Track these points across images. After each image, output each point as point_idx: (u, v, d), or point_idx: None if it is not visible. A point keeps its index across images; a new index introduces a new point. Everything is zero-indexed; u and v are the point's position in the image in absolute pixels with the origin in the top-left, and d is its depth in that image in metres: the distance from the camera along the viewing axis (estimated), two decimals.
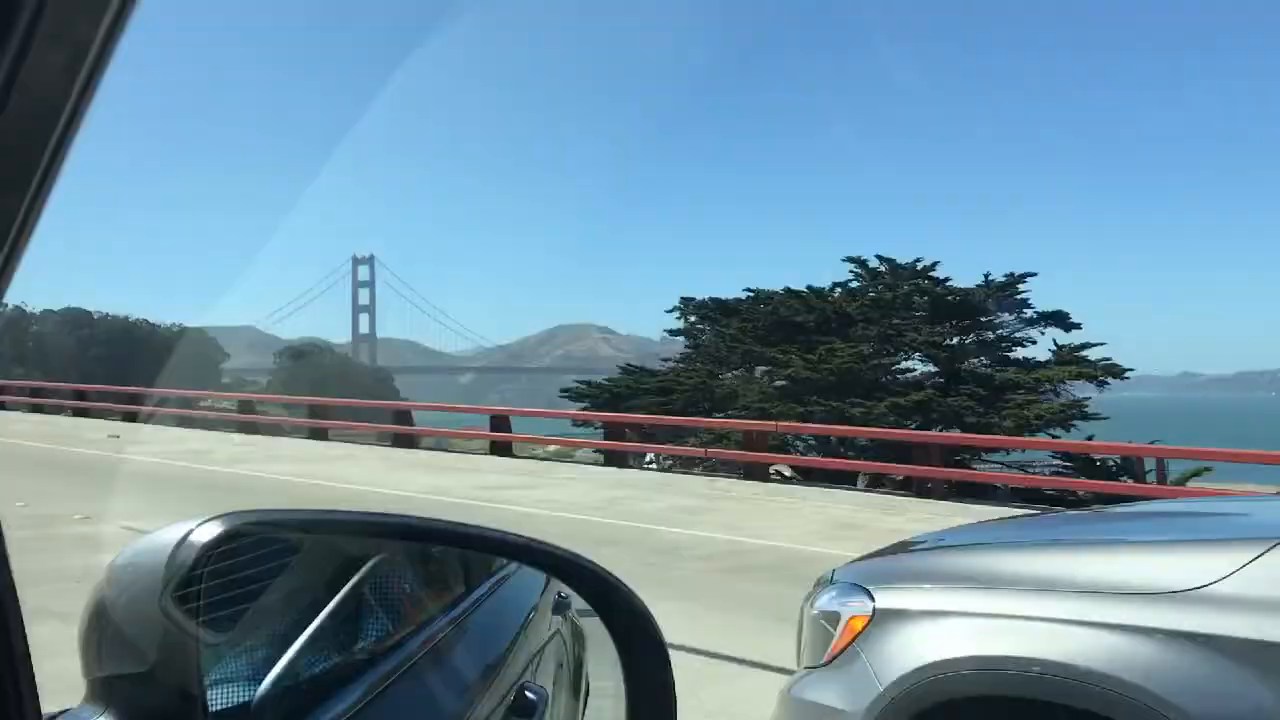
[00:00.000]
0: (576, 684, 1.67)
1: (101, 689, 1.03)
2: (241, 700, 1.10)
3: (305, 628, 1.18)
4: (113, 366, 63.54)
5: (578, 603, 1.44)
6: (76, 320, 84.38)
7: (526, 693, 1.44)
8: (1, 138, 0.64)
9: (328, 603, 1.23)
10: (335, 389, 76.63)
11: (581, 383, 27.64)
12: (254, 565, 1.16)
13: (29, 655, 1.05)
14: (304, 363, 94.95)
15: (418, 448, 21.65)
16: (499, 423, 21.60)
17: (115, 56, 0.65)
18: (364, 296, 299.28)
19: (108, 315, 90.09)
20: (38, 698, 0.95)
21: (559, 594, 1.58)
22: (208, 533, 1.10)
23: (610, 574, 1.31)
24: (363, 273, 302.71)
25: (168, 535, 1.10)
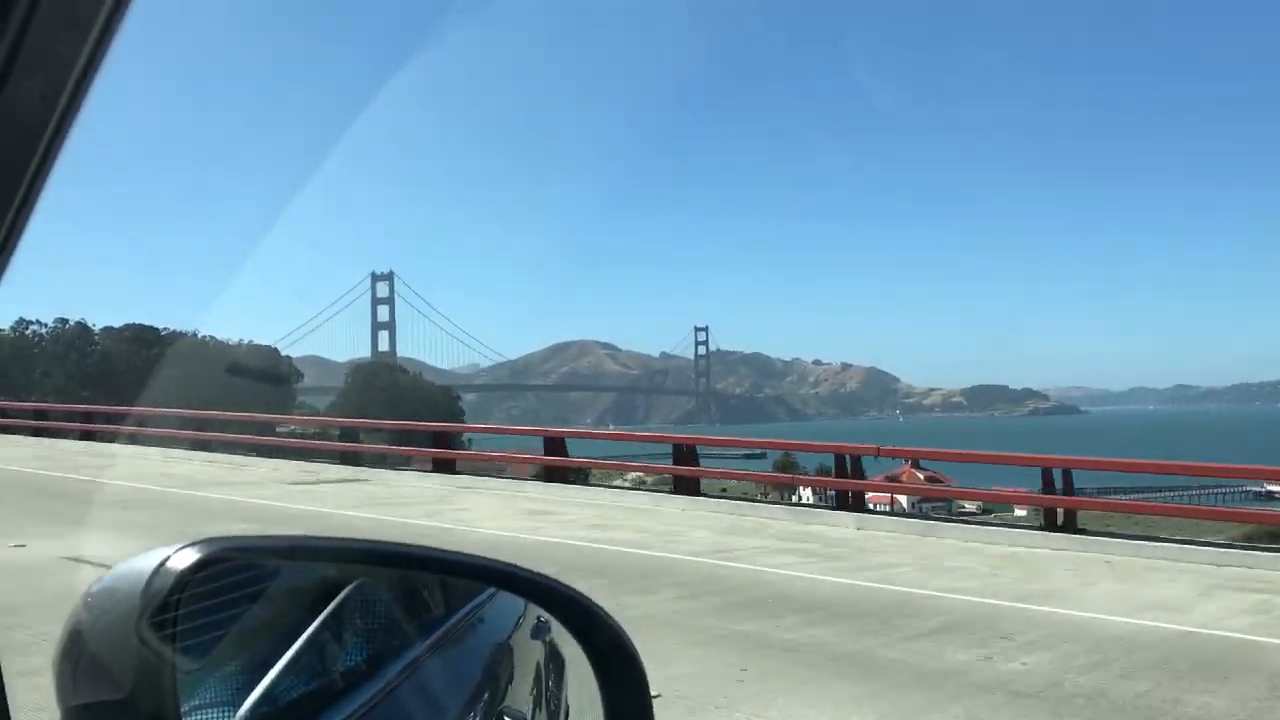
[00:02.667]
0: (555, 708, 1.68)
1: (77, 716, 1.03)
2: None
3: (283, 653, 1.18)
4: (185, 386, 60.70)
5: (556, 627, 1.44)
6: (142, 337, 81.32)
7: (505, 718, 1.44)
8: None
9: (305, 628, 1.23)
10: (413, 409, 73.24)
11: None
12: (231, 591, 1.17)
13: (2, 683, 1.06)
14: (377, 381, 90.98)
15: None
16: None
17: (101, 77, 0.66)
18: (383, 313, 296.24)
19: (175, 332, 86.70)
20: None
21: (538, 618, 1.58)
22: (185, 559, 1.10)
23: (589, 600, 1.31)
24: (381, 289, 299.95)
25: (144, 562, 1.10)
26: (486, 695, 1.46)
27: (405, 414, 64.46)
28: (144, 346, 78.90)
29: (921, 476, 36.78)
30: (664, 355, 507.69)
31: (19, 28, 0.61)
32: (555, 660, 1.61)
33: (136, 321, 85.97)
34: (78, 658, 1.05)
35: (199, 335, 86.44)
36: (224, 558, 1.14)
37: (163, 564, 1.09)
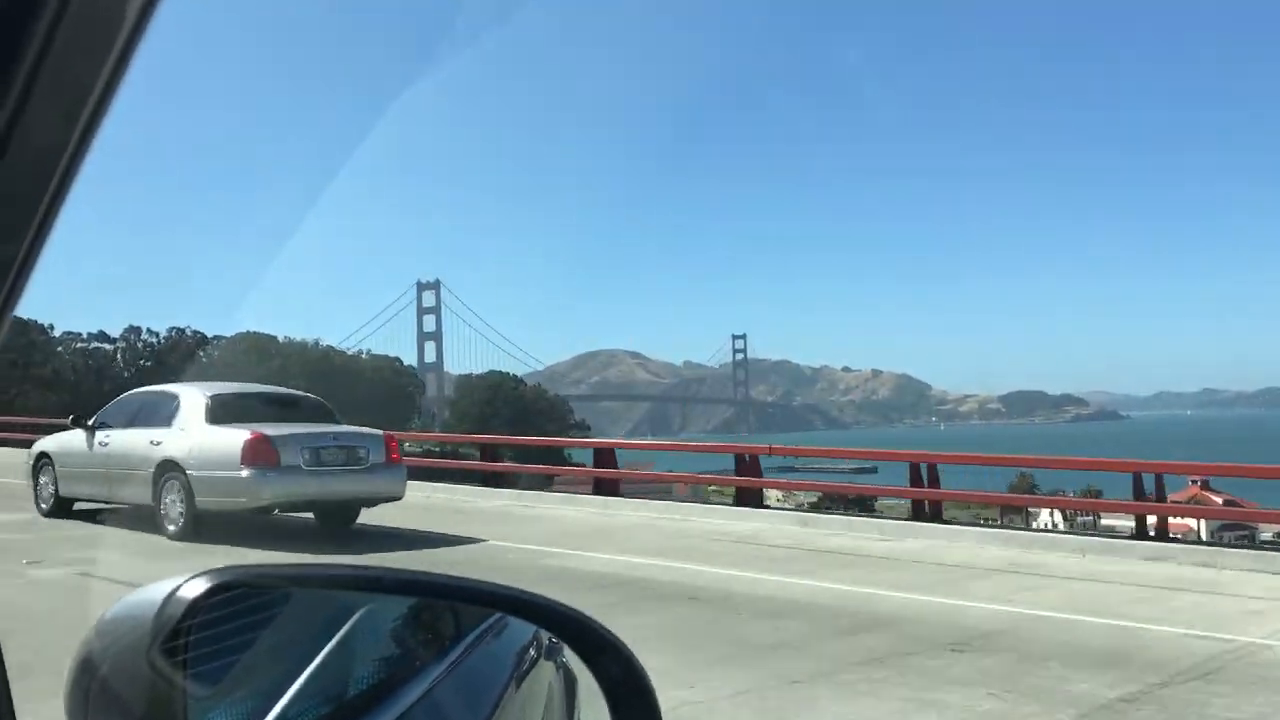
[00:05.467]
0: None
1: None
2: None
3: (294, 680, 1.19)
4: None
5: (568, 650, 1.44)
6: (262, 347, 76.67)
7: None
8: (1, 185, 0.65)
9: (316, 655, 1.24)
10: (538, 425, 70.29)
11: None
12: (243, 618, 1.18)
13: (13, 709, 1.07)
14: (500, 394, 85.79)
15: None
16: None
17: (119, 99, 0.67)
18: (429, 323, 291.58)
19: (292, 340, 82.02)
20: None
21: (550, 638, 1.57)
22: (196, 587, 1.11)
23: (603, 628, 1.30)
24: (427, 299, 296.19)
25: (156, 590, 1.11)
26: (500, 719, 1.46)
27: (529, 429, 61.65)
28: (265, 357, 74.33)
29: (1219, 500, 32.31)
30: (688, 364, 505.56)
31: (39, 50, 0.62)
32: (567, 681, 1.60)
33: (251, 329, 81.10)
34: (89, 686, 1.06)
35: (320, 344, 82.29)
36: (235, 585, 1.15)
37: (174, 592, 1.10)
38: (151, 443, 11.99)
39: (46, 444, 13.95)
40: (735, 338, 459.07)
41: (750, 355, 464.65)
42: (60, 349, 69.56)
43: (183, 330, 76.49)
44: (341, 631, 1.28)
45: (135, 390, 14.13)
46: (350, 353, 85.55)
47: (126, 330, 76.01)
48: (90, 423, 13.15)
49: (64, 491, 13.33)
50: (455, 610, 1.52)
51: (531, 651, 1.62)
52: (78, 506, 13.42)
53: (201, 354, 72.13)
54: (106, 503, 13.05)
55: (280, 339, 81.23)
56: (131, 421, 12.61)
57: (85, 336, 73.71)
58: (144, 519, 12.09)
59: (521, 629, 1.57)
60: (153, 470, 11.85)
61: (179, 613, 1.09)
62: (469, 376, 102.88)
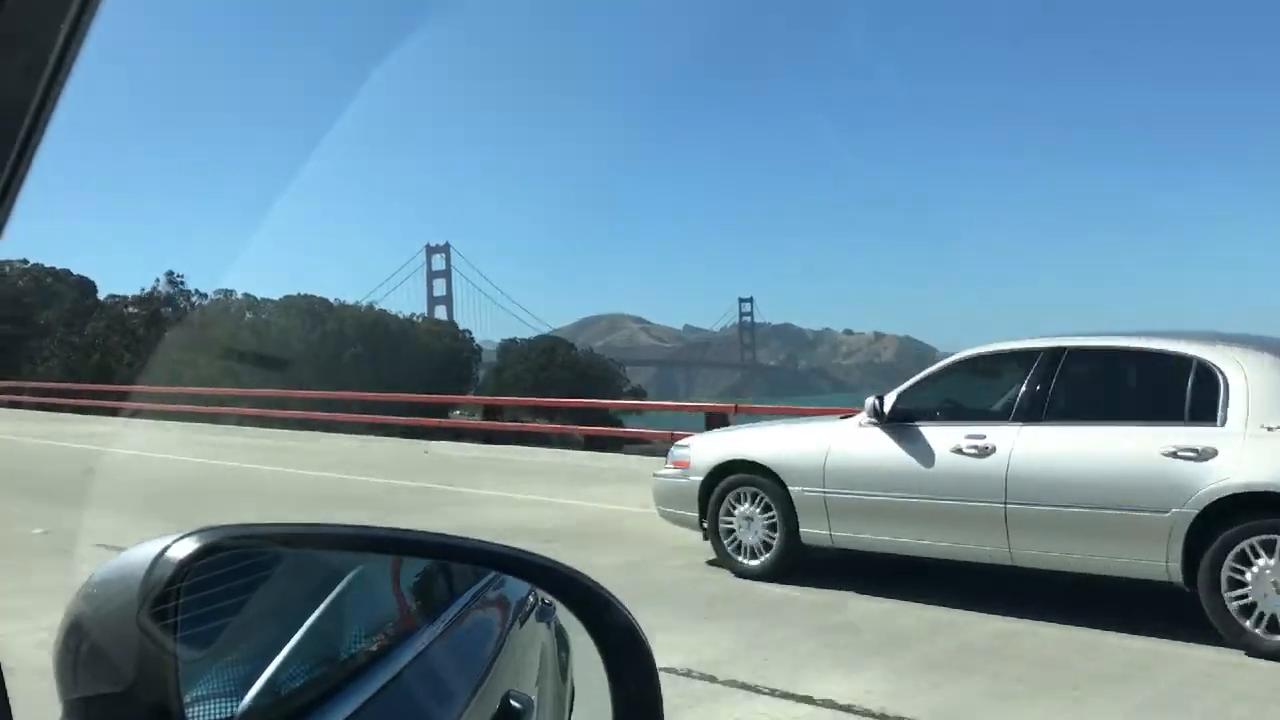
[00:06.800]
0: (561, 690, 1.67)
1: (78, 710, 1.03)
2: (222, 717, 1.09)
3: (286, 642, 1.18)
4: (381, 369, 55.57)
5: (561, 609, 1.43)
6: (315, 309, 71.67)
7: (512, 701, 1.44)
8: None
9: (309, 616, 1.23)
10: (592, 390, 68.53)
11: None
12: (233, 579, 1.16)
13: (2, 678, 1.06)
14: (556, 358, 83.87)
15: None
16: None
17: (85, 53, 0.65)
18: (438, 287, 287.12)
19: (344, 304, 77.21)
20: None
21: (543, 599, 1.57)
22: (185, 548, 1.09)
23: (597, 585, 1.30)
24: (436, 262, 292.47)
25: (144, 551, 1.09)
26: (493, 679, 1.46)
27: (586, 393, 60.78)
28: (319, 320, 70.13)
29: None
30: (688, 327, 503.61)
31: None
32: (561, 643, 1.60)
33: (300, 292, 76.00)
34: (78, 649, 1.05)
35: (374, 307, 79.05)
36: (224, 546, 1.14)
37: (162, 553, 1.08)
38: (1168, 454, 6.02)
39: (746, 447, 7.95)
40: (742, 301, 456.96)
41: (754, 319, 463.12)
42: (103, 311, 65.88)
43: (231, 292, 71.56)
44: (334, 593, 1.27)
45: (1020, 345, 7.19)
46: (403, 318, 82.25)
47: (170, 284, 70.10)
48: (894, 409, 7.22)
49: (813, 534, 7.47)
50: (449, 571, 1.51)
51: (525, 611, 1.62)
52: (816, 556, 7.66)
53: (249, 315, 68.15)
54: (941, 559, 7.04)
55: (333, 301, 77.06)
56: (1049, 409, 6.64)
57: (130, 298, 68.47)
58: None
59: (516, 589, 1.56)
60: (1183, 510, 5.91)
61: (167, 574, 1.07)
62: (514, 341, 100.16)
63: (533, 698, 1.52)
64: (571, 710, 1.68)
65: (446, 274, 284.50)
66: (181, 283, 67.00)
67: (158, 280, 65.33)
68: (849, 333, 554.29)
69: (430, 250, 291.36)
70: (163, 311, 61.66)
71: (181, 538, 1.11)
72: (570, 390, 62.60)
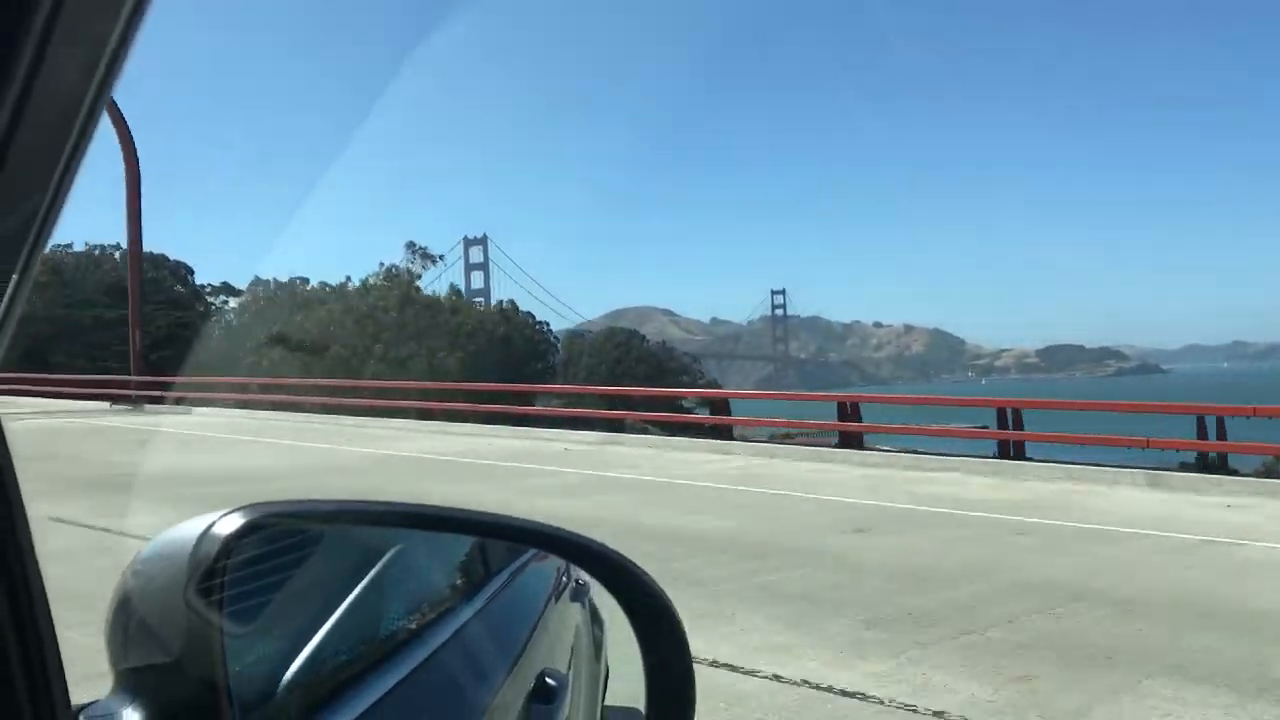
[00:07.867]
0: (595, 668, 1.69)
1: (129, 680, 1.06)
2: (266, 690, 1.12)
3: (328, 618, 1.20)
4: (462, 358, 56.24)
5: (596, 587, 1.45)
6: (405, 293, 68.61)
7: (547, 679, 1.46)
8: (24, 139, 0.66)
9: (350, 593, 1.25)
10: (669, 382, 68.14)
11: None
12: (276, 557, 1.19)
13: (58, 646, 1.09)
14: (632, 352, 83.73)
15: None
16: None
17: (135, 51, 0.67)
18: (476, 280, 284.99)
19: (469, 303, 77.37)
20: (67, 688, 0.99)
21: (577, 580, 1.59)
22: (230, 525, 1.12)
23: (629, 560, 1.31)
24: (474, 255, 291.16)
25: (191, 528, 1.13)
26: (528, 656, 1.48)
27: (664, 384, 60.04)
28: (409, 304, 67.42)
29: None
30: (715, 320, 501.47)
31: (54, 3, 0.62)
32: (595, 621, 1.62)
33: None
34: (128, 623, 1.08)
35: (461, 297, 76.75)
36: (268, 523, 1.17)
37: (208, 530, 1.11)
38: None
39: None
40: (774, 293, 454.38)
41: (783, 312, 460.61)
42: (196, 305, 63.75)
43: (307, 280, 70.66)
44: (374, 570, 1.30)
45: None
46: (480, 308, 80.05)
47: (254, 282, 69.83)
48: None
49: None
50: (486, 548, 1.53)
51: (561, 590, 1.64)
52: None
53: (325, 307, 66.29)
54: None
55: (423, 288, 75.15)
56: None
57: (210, 289, 67.72)
58: None
59: (551, 567, 1.58)
60: None
61: (214, 551, 1.10)
62: (579, 334, 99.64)
63: (567, 675, 1.55)
64: (606, 689, 1.70)
65: (484, 266, 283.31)
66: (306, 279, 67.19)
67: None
68: (878, 325, 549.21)
69: (468, 243, 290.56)
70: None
71: (227, 514, 1.14)
72: (648, 382, 61.95)
